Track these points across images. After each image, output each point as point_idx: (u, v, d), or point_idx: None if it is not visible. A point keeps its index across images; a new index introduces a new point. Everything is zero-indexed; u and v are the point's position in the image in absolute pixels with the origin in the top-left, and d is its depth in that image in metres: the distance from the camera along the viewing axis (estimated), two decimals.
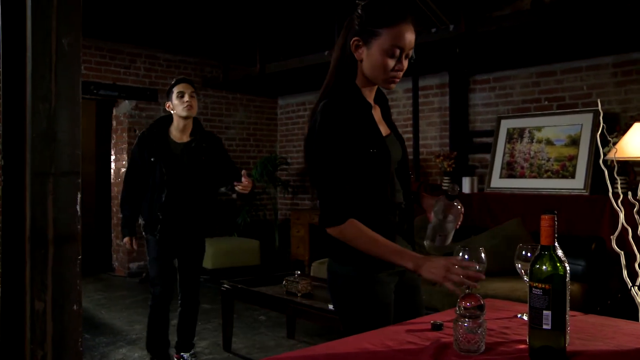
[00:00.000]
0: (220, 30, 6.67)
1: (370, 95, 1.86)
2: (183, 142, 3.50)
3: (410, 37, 1.72)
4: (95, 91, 6.59)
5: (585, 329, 1.53)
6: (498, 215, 4.87)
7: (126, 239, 3.55)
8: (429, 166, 6.23)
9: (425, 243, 1.84)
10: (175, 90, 3.44)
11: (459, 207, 1.80)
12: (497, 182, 5.24)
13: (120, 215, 3.73)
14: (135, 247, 3.56)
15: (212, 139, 3.60)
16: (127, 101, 6.91)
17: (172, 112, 3.50)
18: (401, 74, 1.77)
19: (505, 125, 5.39)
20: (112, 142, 7.18)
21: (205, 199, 3.55)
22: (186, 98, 3.42)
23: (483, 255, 1.61)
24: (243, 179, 3.36)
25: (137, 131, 6.94)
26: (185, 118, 3.47)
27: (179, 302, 3.65)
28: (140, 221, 3.63)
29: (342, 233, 1.71)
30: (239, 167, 3.68)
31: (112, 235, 7.20)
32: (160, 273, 3.53)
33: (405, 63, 1.76)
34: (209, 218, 3.62)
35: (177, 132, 3.50)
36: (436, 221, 1.80)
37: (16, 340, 1.15)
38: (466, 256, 1.60)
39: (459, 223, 1.82)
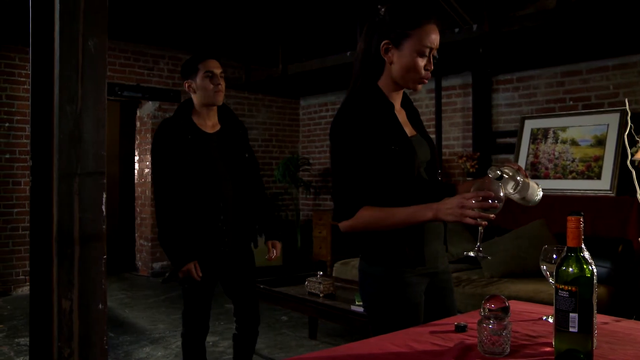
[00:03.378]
0: (242, 31, 6.70)
1: (396, 99, 1.87)
2: (214, 131, 2.81)
3: (436, 36, 1.77)
4: (119, 92, 6.67)
5: (613, 332, 1.50)
6: (521, 217, 4.81)
7: (190, 266, 2.66)
8: (452, 167, 6.19)
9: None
10: (203, 69, 2.72)
11: (512, 174, 1.70)
12: None
13: (161, 242, 2.77)
14: (200, 273, 2.69)
15: (241, 128, 2.93)
16: (150, 102, 6.98)
17: (192, 95, 2.78)
18: (429, 73, 1.81)
19: (529, 125, 5.33)
20: (136, 142, 7.27)
21: (247, 197, 2.88)
22: (218, 80, 2.74)
23: (502, 193, 1.59)
24: (275, 252, 2.98)
25: None
26: (212, 105, 2.78)
27: (235, 332, 3.00)
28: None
29: (354, 225, 1.72)
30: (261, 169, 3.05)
31: (136, 235, 7.28)
32: (202, 302, 2.81)
33: (432, 63, 1.80)
34: (253, 218, 2.95)
35: (203, 121, 2.79)
36: (512, 193, 1.70)
37: (44, 338, 1.17)
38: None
39: (523, 172, 1.72)
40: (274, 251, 2.99)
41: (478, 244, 1.67)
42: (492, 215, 1.57)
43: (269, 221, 2.99)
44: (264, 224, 2.99)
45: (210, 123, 2.81)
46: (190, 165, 2.68)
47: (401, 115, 1.89)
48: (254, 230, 2.97)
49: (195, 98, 2.78)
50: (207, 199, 2.71)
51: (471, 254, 1.65)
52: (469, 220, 1.56)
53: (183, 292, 2.84)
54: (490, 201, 1.55)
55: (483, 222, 1.57)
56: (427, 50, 1.75)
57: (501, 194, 1.58)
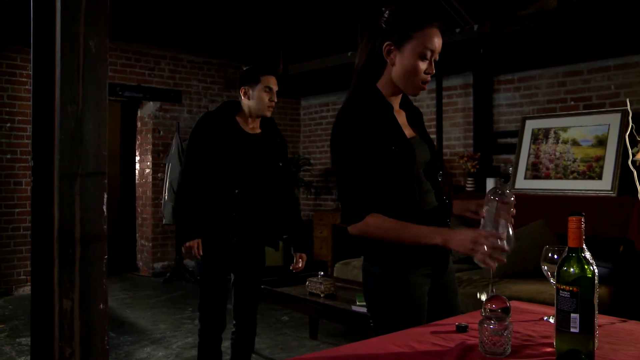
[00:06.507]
0: (243, 31, 6.70)
1: (395, 100, 1.88)
2: (255, 133, 2.91)
3: (438, 40, 1.78)
4: (120, 93, 6.67)
5: (614, 332, 1.50)
6: (523, 217, 4.81)
7: (193, 242, 2.79)
8: (453, 167, 6.19)
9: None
10: (264, 82, 2.84)
11: (507, 204, 1.62)
12: (522, 183, 5.17)
13: (175, 216, 2.95)
14: (201, 252, 2.82)
15: (282, 139, 3.04)
16: (151, 102, 6.99)
17: (244, 100, 2.88)
18: (429, 77, 1.81)
19: (530, 125, 5.33)
20: (137, 143, 7.27)
21: (273, 201, 2.98)
22: (274, 97, 2.86)
23: (511, 231, 1.59)
24: (301, 264, 3.06)
25: (162, 132, 7.02)
26: (262, 116, 2.91)
27: (233, 329, 3.08)
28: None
29: (363, 229, 1.72)
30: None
31: (137, 235, 7.28)
32: (217, 296, 2.88)
33: (433, 67, 1.81)
34: (276, 223, 3.03)
35: (244, 121, 2.90)
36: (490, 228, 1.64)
37: (45, 338, 1.17)
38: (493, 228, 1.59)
39: (511, 220, 1.67)
40: (300, 262, 3.09)
41: (490, 285, 1.69)
42: (504, 259, 1.55)
43: (299, 234, 3.12)
44: (295, 236, 3.10)
45: (250, 126, 2.93)
46: (221, 156, 2.81)
47: (400, 116, 1.90)
48: (275, 236, 3.06)
49: (246, 104, 2.89)
50: (226, 189, 2.82)
51: (483, 298, 1.65)
52: (479, 257, 1.55)
53: (199, 286, 2.94)
54: (499, 242, 1.55)
55: (492, 264, 1.55)
56: (429, 54, 1.76)
57: (512, 235, 1.59)
